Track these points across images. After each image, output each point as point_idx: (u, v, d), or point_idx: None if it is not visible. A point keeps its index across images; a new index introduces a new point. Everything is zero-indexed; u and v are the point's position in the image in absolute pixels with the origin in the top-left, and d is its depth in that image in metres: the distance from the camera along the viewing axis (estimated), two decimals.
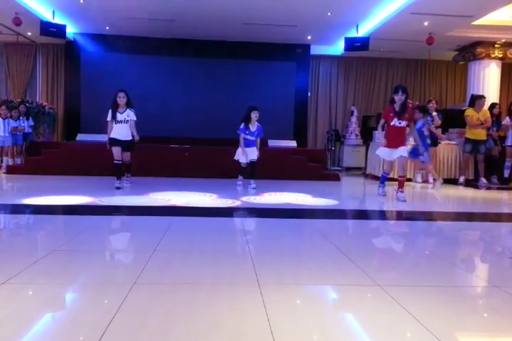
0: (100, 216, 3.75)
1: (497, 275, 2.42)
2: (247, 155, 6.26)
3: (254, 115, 6.20)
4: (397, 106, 5.26)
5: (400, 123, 5.26)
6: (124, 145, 5.78)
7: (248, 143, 6.31)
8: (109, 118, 5.72)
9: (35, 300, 1.81)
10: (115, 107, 5.71)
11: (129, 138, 5.78)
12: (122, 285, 1.94)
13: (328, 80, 11.92)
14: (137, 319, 1.61)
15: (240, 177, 6.53)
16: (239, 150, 6.33)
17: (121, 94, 5.70)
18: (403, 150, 5.31)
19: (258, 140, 6.38)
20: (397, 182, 5.48)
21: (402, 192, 5.28)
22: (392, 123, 5.27)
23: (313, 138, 11.90)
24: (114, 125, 5.71)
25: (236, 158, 6.38)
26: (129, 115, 5.73)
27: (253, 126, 6.29)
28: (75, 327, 1.54)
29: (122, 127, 5.71)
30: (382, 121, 5.57)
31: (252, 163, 6.32)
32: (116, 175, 5.74)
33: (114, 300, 1.77)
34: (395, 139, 5.28)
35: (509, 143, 7.80)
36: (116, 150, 5.71)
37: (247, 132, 6.27)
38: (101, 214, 3.85)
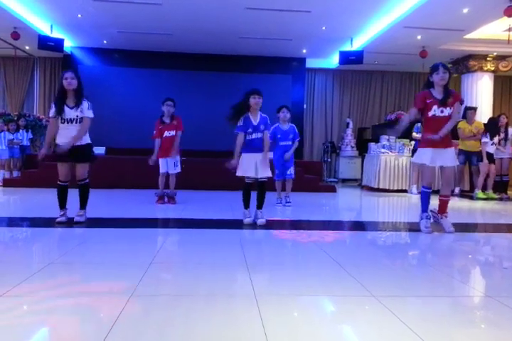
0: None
1: (491, 286, 2.44)
2: (255, 166, 4.04)
3: (255, 101, 4.03)
4: (437, 90, 3.87)
5: (442, 111, 3.85)
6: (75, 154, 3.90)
7: (254, 145, 4.08)
8: (51, 113, 3.86)
9: (33, 312, 1.81)
10: (62, 98, 3.84)
11: (82, 142, 3.93)
12: (120, 296, 1.95)
13: (323, 93, 12.06)
14: (134, 331, 1.61)
15: (247, 212, 4.22)
16: (241, 162, 4.09)
17: (69, 75, 3.80)
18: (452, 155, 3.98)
19: (266, 137, 4.15)
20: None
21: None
22: (431, 113, 3.85)
23: (310, 149, 11.99)
24: (60, 124, 3.85)
25: (239, 173, 4.10)
26: (83, 110, 3.84)
27: (255, 118, 4.11)
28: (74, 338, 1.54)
29: (73, 129, 3.85)
30: (413, 111, 3.94)
31: (260, 184, 4.12)
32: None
33: (111, 312, 1.77)
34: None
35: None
36: (61, 165, 3.97)
37: (249, 130, 4.06)
38: None
